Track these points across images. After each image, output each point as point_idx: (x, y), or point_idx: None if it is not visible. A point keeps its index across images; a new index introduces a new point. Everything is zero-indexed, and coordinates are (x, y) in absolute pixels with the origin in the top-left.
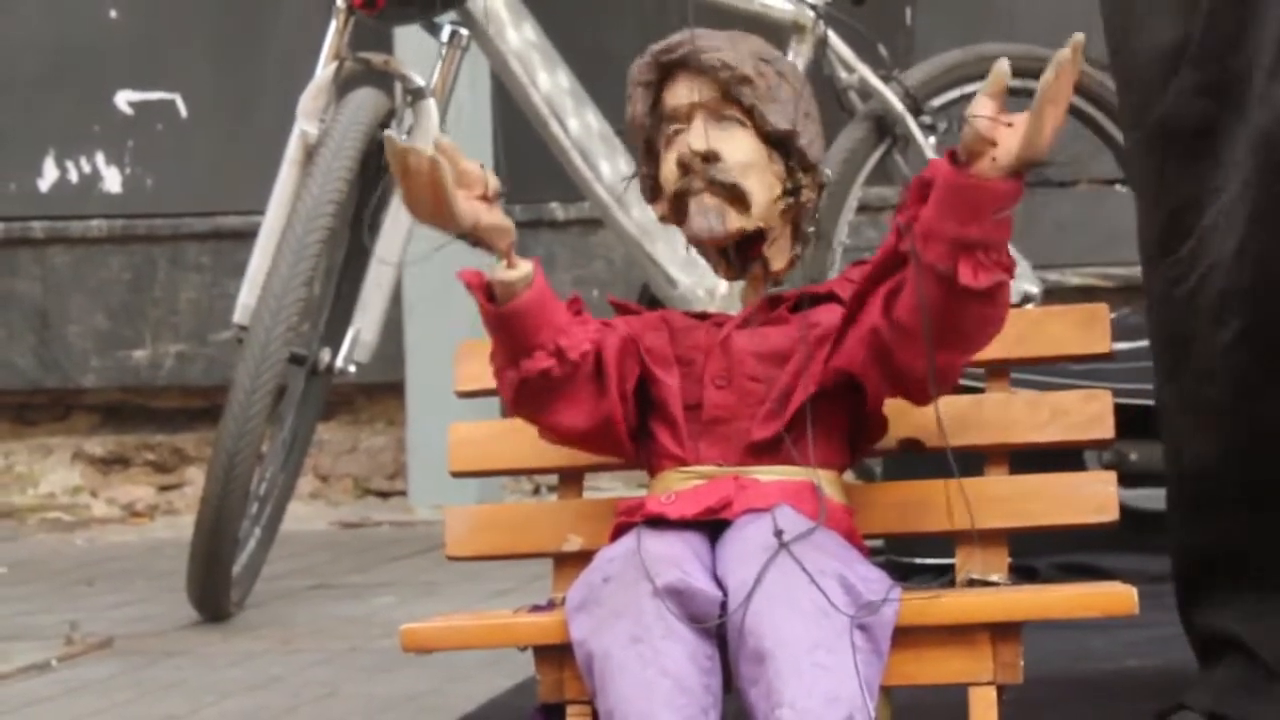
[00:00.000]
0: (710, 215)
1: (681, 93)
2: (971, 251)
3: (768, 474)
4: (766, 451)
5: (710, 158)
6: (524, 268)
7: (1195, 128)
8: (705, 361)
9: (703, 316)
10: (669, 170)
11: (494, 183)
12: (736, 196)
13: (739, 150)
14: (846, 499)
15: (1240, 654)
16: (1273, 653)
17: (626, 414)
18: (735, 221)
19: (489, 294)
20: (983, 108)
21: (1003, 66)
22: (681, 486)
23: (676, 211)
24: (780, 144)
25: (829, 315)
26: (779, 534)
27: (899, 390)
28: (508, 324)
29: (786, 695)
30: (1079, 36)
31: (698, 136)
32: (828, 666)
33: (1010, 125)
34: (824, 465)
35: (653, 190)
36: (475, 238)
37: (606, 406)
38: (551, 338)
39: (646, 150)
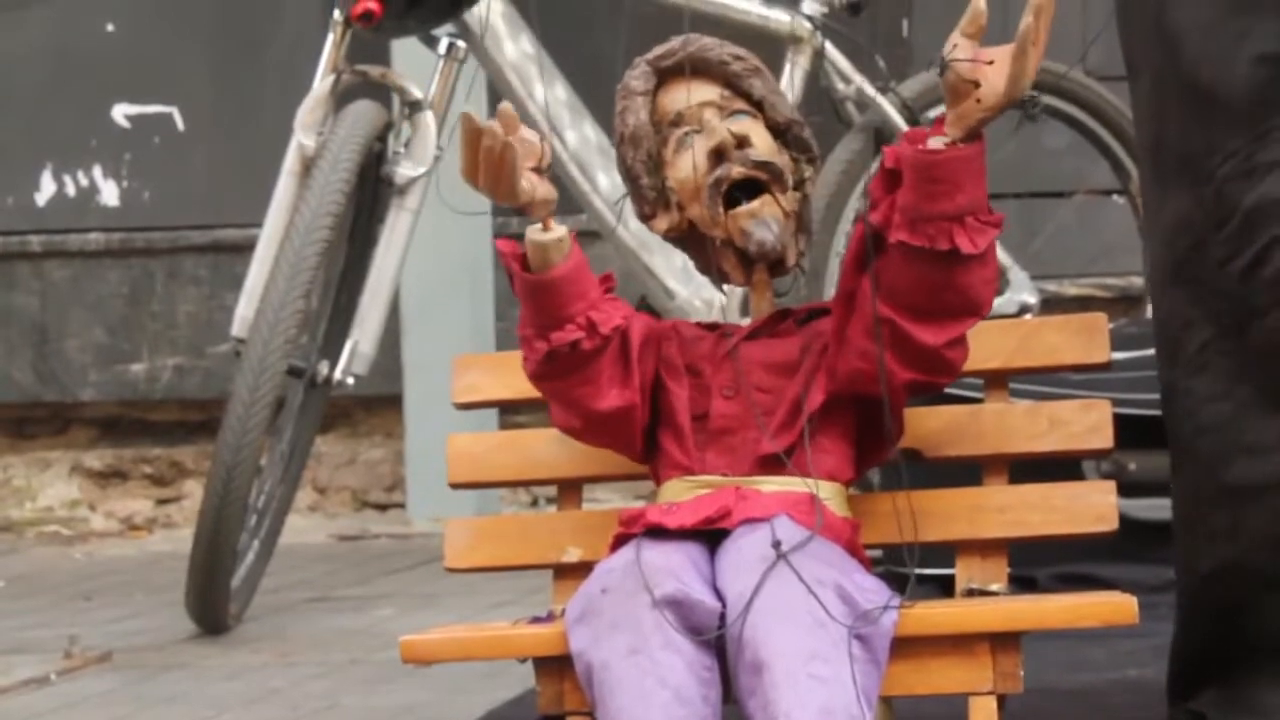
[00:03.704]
0: (770, 226)
1: (682, 96)
2: (963, 220)
3: (770, 485)
4: (775, 463)
5: (744, 143)
6: (559, 231)
7: (1254, 96)
8: (713, 372)
9: (711, 327)
10: (687, 171)
11: (548, 154)
12: (775, 176)
13: (760, 139)
14: (850, 512)
15: None
16: None
17: (644, 407)
18: (785, 230)
19: (523, 262)
20: (961, 49)
21: (980, 5)
22: (686, 496)
23: (711, 204)
24: (783, 135)
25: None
26: (777, 545)
27: (917, 368)
28: (541, 293)
29: (782, 706)
30: None
31: (731, 124)
32: (824, 678)
33: (990, 63)
34: (830, 477)
35: (655, 203)
36: (524, 209)
37: (629, 395)
38: (584, 310)
39: (647, 162)
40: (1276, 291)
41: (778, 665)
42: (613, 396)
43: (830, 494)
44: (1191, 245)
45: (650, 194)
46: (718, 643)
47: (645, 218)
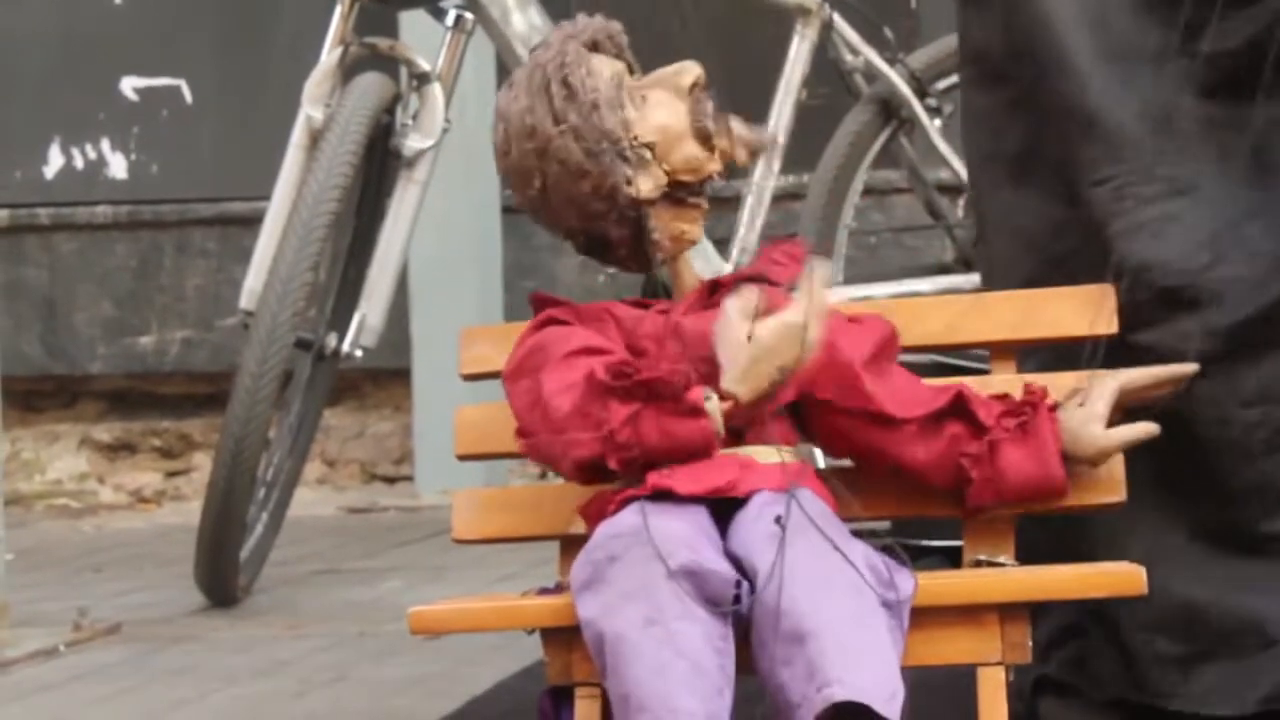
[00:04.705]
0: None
1: (606, 70)
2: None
3: (746, 454)
4: (731, 435)
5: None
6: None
7: (1138, 132)
8: (658, 350)
9: (645, 305)
10: (665, 118)
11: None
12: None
13: None
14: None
15: None
16: None
17: None
18: None
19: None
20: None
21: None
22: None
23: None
24: None
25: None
26: (776, 520)
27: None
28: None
29: (834, 673)
30: None
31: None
32: (870, 643)
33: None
34: (787, 442)
35: (634, 170)
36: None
37: None
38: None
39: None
40: (1144, 314)
41: (826, 633)
42: None
43: (790, 455)
44: (1070, 250)
45: (631, 159)
46: (731, 613)
47: (627, 184)
